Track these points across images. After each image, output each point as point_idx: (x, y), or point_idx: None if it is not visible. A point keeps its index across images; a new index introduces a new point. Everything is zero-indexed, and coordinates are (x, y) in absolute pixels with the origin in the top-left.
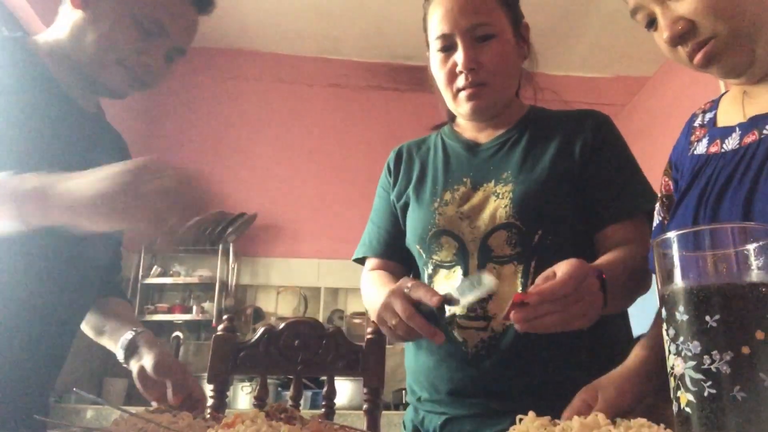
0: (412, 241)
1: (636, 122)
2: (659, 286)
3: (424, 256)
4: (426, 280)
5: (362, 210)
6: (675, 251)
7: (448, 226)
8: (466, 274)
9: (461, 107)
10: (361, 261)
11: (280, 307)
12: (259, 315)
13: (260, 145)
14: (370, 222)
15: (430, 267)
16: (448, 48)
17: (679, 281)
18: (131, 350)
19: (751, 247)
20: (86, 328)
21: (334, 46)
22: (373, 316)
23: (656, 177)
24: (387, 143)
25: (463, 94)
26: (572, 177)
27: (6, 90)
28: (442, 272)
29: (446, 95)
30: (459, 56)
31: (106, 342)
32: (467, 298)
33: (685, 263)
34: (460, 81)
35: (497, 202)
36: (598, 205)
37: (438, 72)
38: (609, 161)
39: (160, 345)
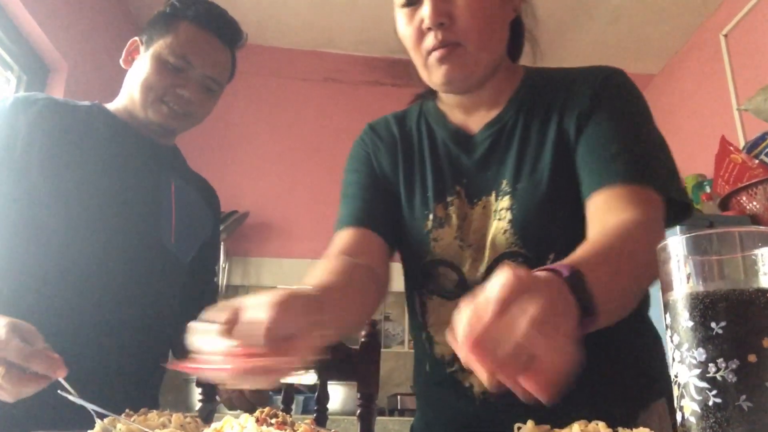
0: (405, 261)
1: None
2: (663, 292)
3: (420, 279)
4: (417, 307)
5: None
6: (679, 256)
7: (446, 256)
8: None
9: (433, 74)
10: None
11: None
12: None
13: (252, 141)
14: (345, 199)
15: (425, 293)
16: (412, 1)
17: (683, 287)
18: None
19: (759, 252)
20: (177, 355)
21: (329, 40)
22: None
23: None
24: None
25: (433, 57)
26: (573, 168)
27: (91, 136)
28: (439, 301)
29: (416, 61)
30: (425, 10)
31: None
32: None
33: (689, 268)
34: (429, 41)
35: (497, 225)
36: (586, 173)
37: (403, 32)
38: (604, 124)
39: None
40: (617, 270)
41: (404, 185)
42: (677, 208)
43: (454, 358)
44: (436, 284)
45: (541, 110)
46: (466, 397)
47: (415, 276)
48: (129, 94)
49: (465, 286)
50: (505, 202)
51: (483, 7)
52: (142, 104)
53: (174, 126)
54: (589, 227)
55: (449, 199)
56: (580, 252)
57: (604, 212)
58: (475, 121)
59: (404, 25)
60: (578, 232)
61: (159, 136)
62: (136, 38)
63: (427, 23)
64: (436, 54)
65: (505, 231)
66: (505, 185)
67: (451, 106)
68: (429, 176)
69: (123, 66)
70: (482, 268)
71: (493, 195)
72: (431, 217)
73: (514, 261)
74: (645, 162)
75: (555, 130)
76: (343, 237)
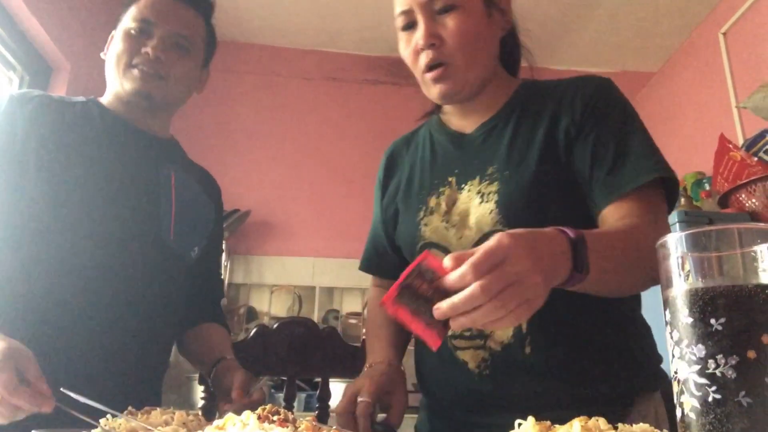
0: (404, 254)
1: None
2: (663, 289)
3: None
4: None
5: (359, 207)
6: (679, 252)
7: (435, 238)
8: None
9: (430, 91)
10: None
11: (273, 307)
12: (252, 314)
13: (254, 139)
14: (370, 232)
15: None
16: (409, 26)
17: (683, 283)
18: (216, 378)
19: (758, 249)
20: (186, 355)
21: (331, 39)
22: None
23: None
24: (385, 139)
25: (428, 77)
26: (560, 163)
27: (89, 132)
28: None
29: (416, 76)
30: (418, 33)
31: (198, 368)
32: None
33: (689, 265)
34: (422, 60)
35: (483, 206)
36: (591, 190)
37: (404, 52)
38: (596, 138)
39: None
40: (614, 246)
41: (403, 191)
42: (669, 182)
43: (452, 336)
44: None
45: (533, 115)
46: (466, 372)
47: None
48: (110, 78)
49: None
50: (492, 186)
51: (469, 29)
52: (118, 77)
53: (149, 89)
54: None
55: (441, 189)
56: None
57: (614, 222)
58: (471, 124)
59: (404, 47)
60: (561, 210)
61: (148, 114)
62: (113, 32)
63: (420, 44)
64: (431, 75)
65: (491, 211)
66: (492, 171)
67: (450, 115)
68: (426, 176)
69: (103, 58)
70: (467, 246)
71: (478, 179)
72: (423, 208)
73: None
74: (640, 163)
75: (544, 133)
76: (374, 280)
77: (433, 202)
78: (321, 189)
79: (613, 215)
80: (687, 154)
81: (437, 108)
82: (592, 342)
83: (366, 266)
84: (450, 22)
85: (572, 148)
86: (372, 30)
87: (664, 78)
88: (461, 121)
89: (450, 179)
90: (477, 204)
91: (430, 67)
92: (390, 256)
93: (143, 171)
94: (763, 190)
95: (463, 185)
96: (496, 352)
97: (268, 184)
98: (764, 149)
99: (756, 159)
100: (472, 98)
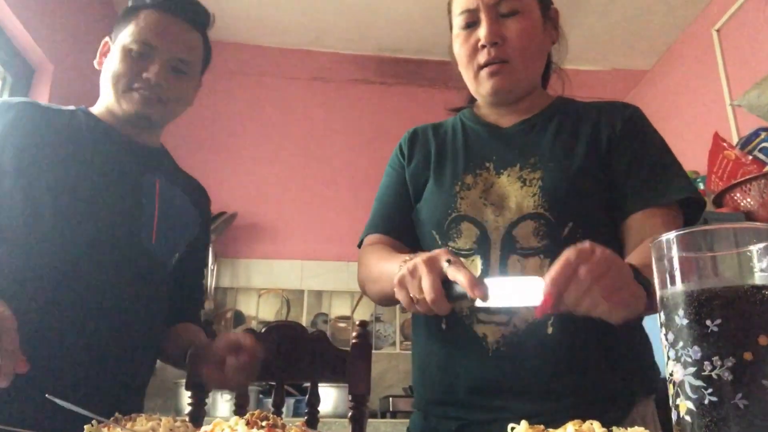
0: (428, 227)
1: None
2: (658, 289)
3: (439, 242)
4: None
5: (348, 209)
6: (674, 253)
7: (470, 212)
8: (486, 264)
9: (482, 86)
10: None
11: (261, 311)
12: (239, 318)
13: (240, 140)
14: (375, 201)
15: None
16: (471, 24)
17: (678, 284)
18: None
19: (754, 249)
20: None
21: (318, 38)
22: (372, 286)
23: None
24: (373, 139)
25: (484, 72)
26: (601, 167)
27: (77, 139)
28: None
29: (467, 74)
30: (482, 30)
31: (172, 360)
32: (504, 302)
33: (684, 265)
34: (482, 56)
35: (525, 190)
36: (624, 195)
37: (460, 49)
38: (635, 151)
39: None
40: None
41: (434, 167)
42: (694, 203)
43: (472, 311)
44: (458, 242)
45: (574, 120)
46: (480, 349)
47: (436, 238)
48: (105, 91)
49: (486, 241)
50: (536, 174)
51: (529, 33)
52: (115, 96)
53: (150, 113)
54: (632, 237)
55: (478, 171)
56: (634, 259)
57: (642, 230)
58: (508, 121)
59: (461, 44)
60: (597, 210)
61: (141, 129)
62: (107, 39)
63: (482, 41)
64: (488, 69)
65: (535, 195)
66: (534, 161)
67: (487, 110)
68: (460, 157)
69: (97, 68)
70: (504, 224)
71: (518, 167)
72: (459, 183)
73: (536, 222)
74: (678, 180)
75: (587, 136)
76: (372, 240)
77: (469, 179)
78: (309, 191)
79: (642, 222)
80: (681, 153)
81: (469, 104)
82: (605, 338)
83: (384, 228)
84: (513, 24)
85: (613, 153)
86: (359, 29)
87: (658, 76)
88: (498, 118)
89: (487, 164)
90: (518, 188)
91: (488, 64)
92: (406, 220)
93: (127, 177)
94: (758, 189)
95: (501, 171)
96: (519, 330)
97: (255, 186)
98: (759, 148)
99: (751, 158)
100: (517, 101)
